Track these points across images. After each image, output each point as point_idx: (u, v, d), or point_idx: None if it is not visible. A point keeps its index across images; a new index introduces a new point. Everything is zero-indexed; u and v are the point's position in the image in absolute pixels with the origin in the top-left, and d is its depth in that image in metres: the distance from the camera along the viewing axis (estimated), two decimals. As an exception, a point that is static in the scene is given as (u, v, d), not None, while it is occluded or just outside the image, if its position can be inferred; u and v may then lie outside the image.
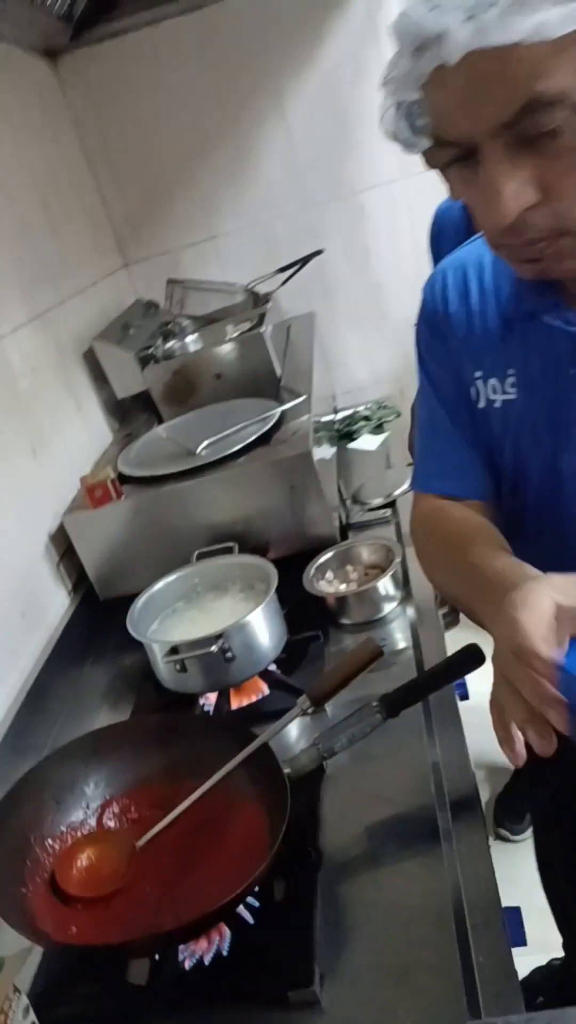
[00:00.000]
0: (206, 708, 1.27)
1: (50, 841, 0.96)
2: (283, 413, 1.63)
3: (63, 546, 1.54)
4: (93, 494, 1.46)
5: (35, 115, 2.00)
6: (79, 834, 0.98)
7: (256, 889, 0.88)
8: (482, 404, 0.81)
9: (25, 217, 1.76)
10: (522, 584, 0.62)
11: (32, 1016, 0.79)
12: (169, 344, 1.97)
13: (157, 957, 0.87)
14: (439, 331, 0.84)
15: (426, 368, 0.88)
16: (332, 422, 2.13)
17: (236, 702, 1.25)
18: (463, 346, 0.82)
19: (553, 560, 0.67)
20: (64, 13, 2.06)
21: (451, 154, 0.60)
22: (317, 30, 2.25)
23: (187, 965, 0.87)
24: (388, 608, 1.34)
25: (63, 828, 0.98)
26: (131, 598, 1.34)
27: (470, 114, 0.57)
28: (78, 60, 2.24)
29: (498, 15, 0.51)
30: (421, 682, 0.99)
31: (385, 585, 1.33)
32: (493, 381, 0.79)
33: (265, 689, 1.27)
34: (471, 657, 0.94)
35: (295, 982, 0.78)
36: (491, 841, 1.03)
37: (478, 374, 0.81)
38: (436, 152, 0.61)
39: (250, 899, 0.89)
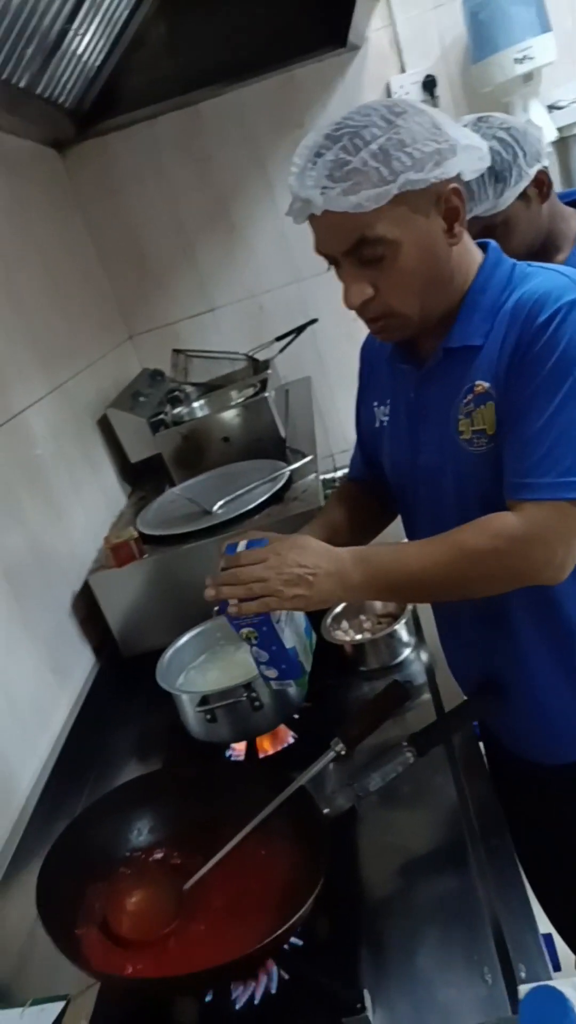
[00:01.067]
0: (232, 758, 1.31)
1: (99, 885, 1.00)
2: (291, 472, 1.72)
3: (86, 606, 1.60)
4: (117, 553, 1.52)
5: (46, 202, 2.14)
6: (126, 879, 1.02)
7: (299, 928, 0.92)
8: (378, 424, 1.13)
9: (40, 297, 1.87)
10: None
11: (96, 1057, 0.82)
12: (177, 410, 2.07)
13: (209, 998, 0.90)
14: (363, 375, 1.18)
15: (357, 401, 1.20)
16: (333, 480, 2.22)
17: (263, 751, 1.30)
18: (373, 384, 1.15)
19: (418, 522, 1.10)
20: (72, 108, 2.24)
21: (328, 260, 0.95)
22: (300, 118, 2.43)
23: (238, 1005, 0.90)
24: (404, 654, 1.41)
25: (110, 873, 1.02)
26: (153, 655, 1.39)
27: (328, 243, 0.93)
28: (84, 150, 2.40)
29: (335, 194, 0.87)
30: (448, 721, 1.05)
31: (400, 631, 1.40)
32: (382, 408, 1.12)
33: (290, 738, 1.32)
34: (493, 690, 1.01)
35: (348, 1009, 0.82)
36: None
37: (376, 403, 1.14)
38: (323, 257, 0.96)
39: (294, 939, 0.93)
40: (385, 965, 0.89)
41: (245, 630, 1.00)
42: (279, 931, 0.85)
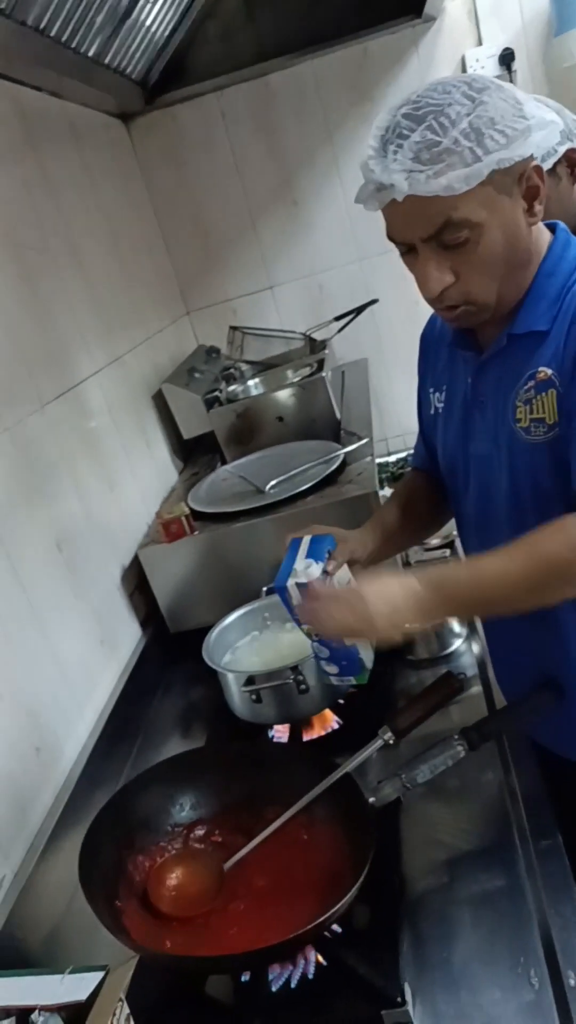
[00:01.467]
0: (276, 739, 1.30)
1: (140, 858, 1.00)
2: (345, 455, 1.69)
3: (135, 579, 1.60)
4: (168, 529, 1.52)
5: (112, 173, 2.13)
6: (167, 853, 1.02)
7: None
8: (432, 411, 1.11)
9: (105, 267, 1.87)
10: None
11: (132, 1027, 0.82)
12: (232, 388, 2.05)
13: (246, 977, 0.90)
14: (422, 357, 1.15)
15: (418, 388, 1.17)
16: (387, 464, 2.19)
17: (307, 734, 1.28)
18: (430, 369, 1.12)
19: (467, 513, 1.07)
20: (140, 79, 2.22)
21: (401, 248, 0.91)
22: (370, 92, 2.37)
23: (275, 986, 0.89)
24: (454, 644, 1.37)
25: (152, 847, 1.02)
26: (199, 632, 1.38)
27: (409, 229, 0.88)
28: (150, 121, 2.39)
29: (424, 178, 0.82)
30: (504, 716, 1.02)
31: (451, 621, 1.36)
32: (437, 394, 1.09)
33: (335, 723, 1.30)
34: (552, 687, 0.98)
35: (387, 1002, 0.81)
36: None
37: (431, 389, 1.11)
38: (395, 245, 0.92)
39: (334, 926, 0.91)
40: (426, 960, 0.87)
41: (307, 626, 0.99)
42: (321, 918, 0.83)
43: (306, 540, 1.02)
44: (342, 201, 2.46)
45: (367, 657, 1.05)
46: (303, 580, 0.96)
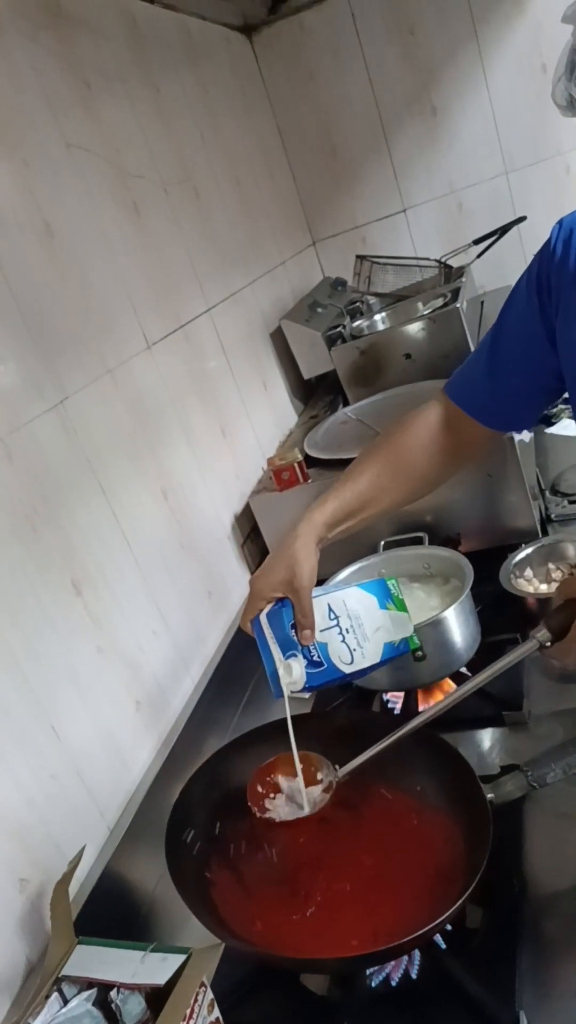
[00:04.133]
0: (391, 705, 1.21)
1: (237, 826, 0.94)
2: (479, 395, 1.51)
3: (247, 528, 1.53)
4: (280, 476, 1.43)
5: (232, 92, 2.00)
6: (265, 826, 0.95)
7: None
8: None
9: (221, 195, 1.75)
10: None
11: (216, 1012, 0.78)
12: (357, 323, 1.90)
13: (342, 969, 0.83)
14: (543, 272, 0.91)
15: (520, 294, 0.95)
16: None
17: (423, 703, 1.18)
18: (560, 296, 0.87)
19: None
20: (264, -14, 2.05)
21: None
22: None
23: (373, 982, 0.82)
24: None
25: (247, 817, 0.96)
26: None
27: None
28: (275, 33, 2.21)
29: None
30: None
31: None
32: None
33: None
34: None
35: (498, 1029, 0.71)
36: None
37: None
38: None
39: (442, 924, 0.82)
40: (548, 984, 0.76)
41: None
42: (427, 927, 0.73)
43: (265, 624, 0.89)
44: (488, 105, 2.19)
45: (371, 651, 0.93)
46: (299, 687, 0.87)
